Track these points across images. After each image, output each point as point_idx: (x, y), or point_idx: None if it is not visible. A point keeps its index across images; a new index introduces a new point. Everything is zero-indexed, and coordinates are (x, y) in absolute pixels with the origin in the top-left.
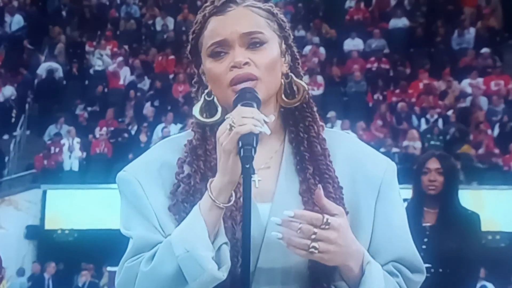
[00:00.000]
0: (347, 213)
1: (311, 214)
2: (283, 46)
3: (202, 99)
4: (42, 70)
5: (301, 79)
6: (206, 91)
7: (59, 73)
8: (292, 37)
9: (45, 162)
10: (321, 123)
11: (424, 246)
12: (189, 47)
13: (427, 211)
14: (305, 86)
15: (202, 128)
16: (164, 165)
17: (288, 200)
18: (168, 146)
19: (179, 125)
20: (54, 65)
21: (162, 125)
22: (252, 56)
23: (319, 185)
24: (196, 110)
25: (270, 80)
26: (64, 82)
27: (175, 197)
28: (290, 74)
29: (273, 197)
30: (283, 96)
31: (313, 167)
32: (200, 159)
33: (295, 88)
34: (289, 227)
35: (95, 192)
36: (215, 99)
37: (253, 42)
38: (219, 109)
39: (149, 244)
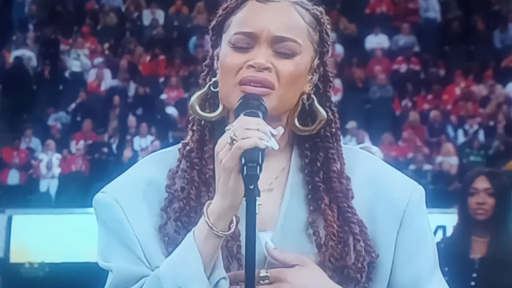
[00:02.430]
0: (377, 256)
1: (242, 273)
2: (316, 62)
3: (206, 88)
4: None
5: (329, 106)
6: (213, 79)
7: (33, 62)
8: (330, 54)
9: (15, 153)
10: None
11: (472, 283)
12: (213, 23)
13: (475, 240)
14: (324, 114)
15: (203, 128)
16: (151, 184)
17: (293, 229)
18: (155, 162)
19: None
20: (27, 53)
21: (150, 138)
22: (277, 62)
23: (267, 241)
24: (194, 99)
25: (286, 96)
26: (34, 87)
27: (167, 214)
28: (313, 96)
29: (275, 225)
30: (296, 120)
31: (329, 199)
32: (194, 168)
33: (318, 113)
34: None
35: (70, 217)
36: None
37: (283, 49)
38: (220, 106)
39: (131, 277)
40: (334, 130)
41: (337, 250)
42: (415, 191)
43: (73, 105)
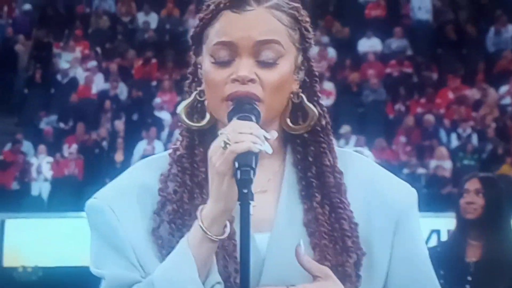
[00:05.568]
0: (363, 254)
1: None
2: (300, 59)
3: (192, 97)
4: None
5: (316, 101)
6: (199, 88)
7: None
8: (312, 47)
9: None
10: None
11: (467, 286)
12: (191, 33)
13: (471, 244)
14: (315, 112)
15: (191, 133)
16: (144, 189)
17: (290, 231)
18: (148, 167)
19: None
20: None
21: (144, 142)
22: (261, 72)
23: (300, 242)
24: (181, 108)
25: (274, 102)
26: (26, 91)
27: (160, 217)
28: (301, 94)
29: (272, 226)
30: (288, 120)
31: (321, 196)
32: (186, 173)
33: (309, 111)
34: None
35: (63, 221)
36: (206, 103)
37: (265, 56)
38: (208, 115)
39: (124, 284)
40: (323, 123)
41: (329, 248)
42: (410, 193)
43: (63, 109)
